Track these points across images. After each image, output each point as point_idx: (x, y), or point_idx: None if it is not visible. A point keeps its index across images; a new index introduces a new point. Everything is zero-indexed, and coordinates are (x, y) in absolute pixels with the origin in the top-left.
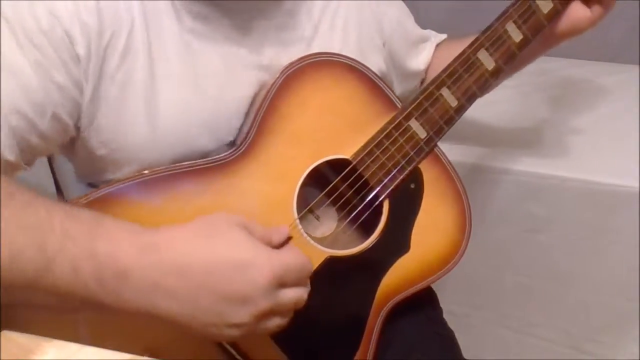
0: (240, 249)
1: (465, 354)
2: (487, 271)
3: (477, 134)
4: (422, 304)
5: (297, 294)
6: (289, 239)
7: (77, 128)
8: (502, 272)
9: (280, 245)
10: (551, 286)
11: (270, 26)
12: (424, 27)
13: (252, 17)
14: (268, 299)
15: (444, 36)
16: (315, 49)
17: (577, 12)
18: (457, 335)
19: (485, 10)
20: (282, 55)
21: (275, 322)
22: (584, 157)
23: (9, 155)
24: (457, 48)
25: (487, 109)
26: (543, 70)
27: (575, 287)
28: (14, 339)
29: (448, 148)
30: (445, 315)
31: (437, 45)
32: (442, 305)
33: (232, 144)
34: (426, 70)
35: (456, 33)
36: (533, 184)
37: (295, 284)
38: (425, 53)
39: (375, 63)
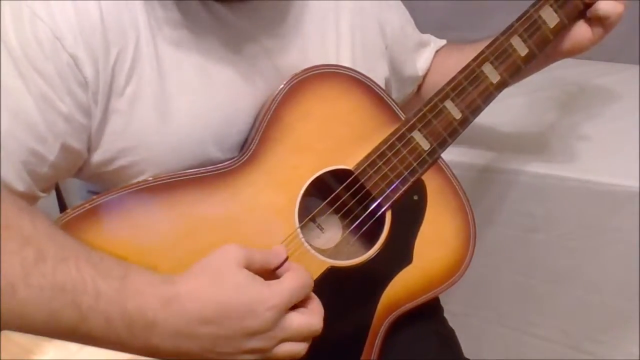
0: (245, 292)
1: (464, 353)
2: (487, 270)
3: (476, 134)
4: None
5: (303, 320)
6: (286, 258)
7: (88, 150)
8: (502, 272)
9: (279, 266)
10: (550, 286)
11: (284, 35)
12: (422, 26)
13: (268, 24)
14: (275, 328)
15: (443, 42)
16: (321, 56)
17: (579, 32)
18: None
19: (484, 11)
20: (295, 65)
21: (288, 348)
22: (583, 157)
23: (21, 187)
24: (458, 55)
25: (487, 109)
26: (542, 70)
27: (575, 286)
28: (14, 339)
29: (448, 148)
30: (444, 314)
31: (437, 51)
32: (441, 304)
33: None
34: (424, 76)
35: (454, 33)
36: (533, 184)
37: (302, 301)
38: (425, 59)
39: (381, 69)
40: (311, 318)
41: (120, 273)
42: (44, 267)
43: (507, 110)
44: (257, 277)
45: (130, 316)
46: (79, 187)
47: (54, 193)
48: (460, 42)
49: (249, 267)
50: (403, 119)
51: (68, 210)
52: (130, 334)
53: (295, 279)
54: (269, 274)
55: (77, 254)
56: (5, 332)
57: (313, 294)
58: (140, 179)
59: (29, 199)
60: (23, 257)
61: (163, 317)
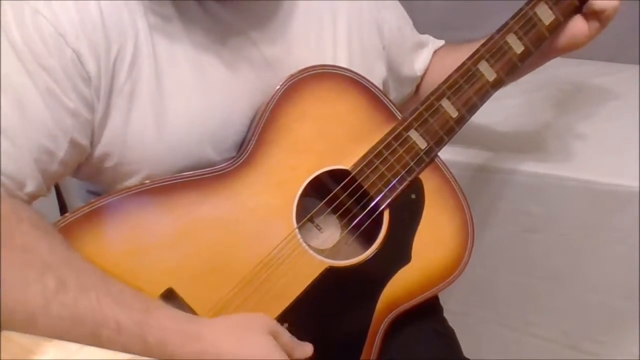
0: (264, 353)
1: (463, 353)
2: (486, 270)
3: (475, 134)
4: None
5: None
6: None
7: (91, 145)
8: (501, 271)
9: None
10: (550, 286)
11: (274, 32)
12: (421, 26)
13: (265, 24)
14: None
15: (441, 42)
16: (317, 56)
17: (575, 28)
18: None
19: (483, 11)
20: (291, 65)
21: None
22: (583, 156)
23: (32, 186)
24: (455, 55)
25: (485, 108)
26: (542, 69)
27: (575, 286)
28: (14, 339)
29: (446, 148)
30: (443, 314)
31: (435, 52)
32: (441, 303)
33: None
34: (423, 77)
35: (454, 33)
36: (533, 183)
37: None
38: (423, 59)
39: (378, 70)
40: None
41: (142, 306)
42: (64, 297)
43: (506, 110)
44: (279, 346)
45: (150, 349)
46: (78, 187)
47: (53, 192)
48: (458, 42)
49: (275, 338)
50: (400, 117)
51: (67, 214)
52: None
53: None
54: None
55: (96, 284)
56: (5, 332)
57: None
58: (138, 177)
59: (34, 198)
60: (44, 285)
61: (182, 353)
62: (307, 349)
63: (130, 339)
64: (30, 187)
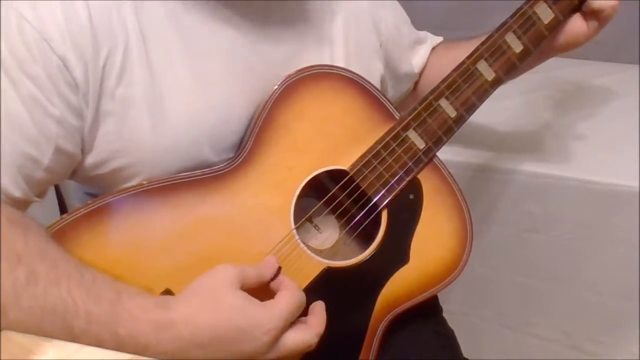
0: (242, 315)
1: (463, 353)
2: (486, 270)
3: (475, 133)
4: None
5: (298, 339)
6: (279, 269)
7: (82, 152)
8: (501, 271)
9: (273, 277)
10: (550, 286)
11: (277, 36)
12: (420, 26)
13: (262, 23)
14: (273, 350)
15: (440, 39)
16: (315, 55)
17: (574, 27)
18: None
19: (483, 11)
20: (289, 65)
21: None
22: (583, 156)
23: (17, 192)
24: (454, 51)
25: (485, 108)
26: (542, 69)
27: (575, 286)
28: (14, 339)
29: (446, 148)
30: (443, 314)
31: (433, 48)
32: (440, 304)
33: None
34: (420, 73)
35: (453, 33)
36: (532, 183)
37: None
38: (420, 56)
39: (375, 67)
40: (305, 334)
41: (112, 296)
42: (34, 289)
43: (505, 110)
44: (253, 299)
45: (122, 339)
46: (75, 189)
47: (54, 194)
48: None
49: (244, 285)
50: (398, 118)
51: (64, 215)
52: None
53: (291, 300)
54: (264, 286)
55: (69, 274)
56: (5, 332)
57: (318, 308)
58: (135, 180)
59: (24, 204)
60: (15, 277)
61: (156, 343)
62: (270, 262)
63: (102, 331)
64: (16, 194)
